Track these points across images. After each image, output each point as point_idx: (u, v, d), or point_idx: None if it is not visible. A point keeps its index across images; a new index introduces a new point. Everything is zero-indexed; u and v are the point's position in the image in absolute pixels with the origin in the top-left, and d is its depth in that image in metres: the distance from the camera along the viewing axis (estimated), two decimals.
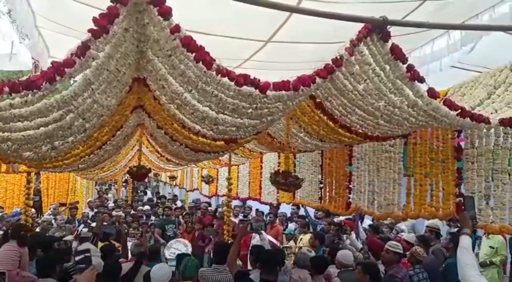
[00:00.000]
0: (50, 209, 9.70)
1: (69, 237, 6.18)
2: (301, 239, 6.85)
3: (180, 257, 4.76)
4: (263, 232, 6.95)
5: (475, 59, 4.43)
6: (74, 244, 5.57)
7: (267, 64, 4.54)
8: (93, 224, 7.73)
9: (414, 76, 2.67)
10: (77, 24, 3.83)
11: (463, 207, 3.68)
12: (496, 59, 4.10)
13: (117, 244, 5.84)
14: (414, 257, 4.77)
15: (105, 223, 6.91)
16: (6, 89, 1.88)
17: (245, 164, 9.59)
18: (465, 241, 2.85)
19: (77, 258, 3.95)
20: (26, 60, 4.96)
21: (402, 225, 7.59)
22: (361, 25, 2.59)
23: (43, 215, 9.78)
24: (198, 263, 4.28)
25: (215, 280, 4.10)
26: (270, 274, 3.65)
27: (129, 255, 5.10)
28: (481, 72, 4.21)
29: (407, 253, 4.90)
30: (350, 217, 7.21)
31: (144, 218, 9.72)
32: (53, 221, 8.79)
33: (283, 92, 2.43)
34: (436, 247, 5.25)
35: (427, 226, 5.90)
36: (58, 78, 1.95)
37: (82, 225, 8.23)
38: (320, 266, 4.39)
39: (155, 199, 14.46)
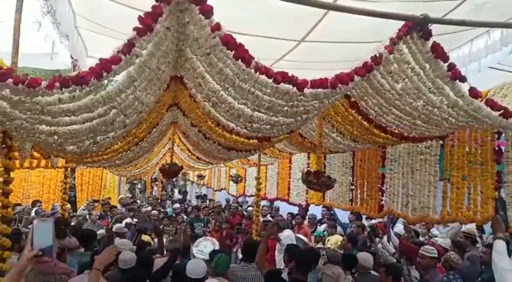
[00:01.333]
0: (84, 204, 10.01)
1: (101, 231, 6.38)
2: (328, 240, 6.81)
3: (213, 254, 4.82)
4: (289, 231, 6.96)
5: None
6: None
7: (299, 64, 4.54)
8: (126, 220, 7.96)
9: (455, 75, 2.61)
10: (115, 24, 3.97)
11: (496, 210, 3.55)
12: None
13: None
14: (448, 263, 4.64)
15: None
16: (57, 84, 1.97)
17: (273, 164, 9.60)
18: (499, 245, 2.77)
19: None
20: (65, 59, 5.15)
21: (435, 230, 7.40)
22: (396, 24, 2.57)
23: (77, 210, 10.10)
24: (229, 259, 4.33)
25: (242, 277, 4.16)
26: (304, 273, 3.65)
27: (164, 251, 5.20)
28: None
29: (441, 258, 4.78)
30: (381, 220, 7.10)
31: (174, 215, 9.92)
32: (87, 216, 9.10)
33: (320, 90, 2.43)
34: (472, 253, 5.09)
35: (462, 232, 5.73)
36: (105, 74, 2.03)
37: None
38: (349, 264, 4.37)
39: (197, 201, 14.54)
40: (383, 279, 4.08)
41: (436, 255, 4.42)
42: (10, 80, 1.94)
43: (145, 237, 5.78)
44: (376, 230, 5.93)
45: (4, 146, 4.02)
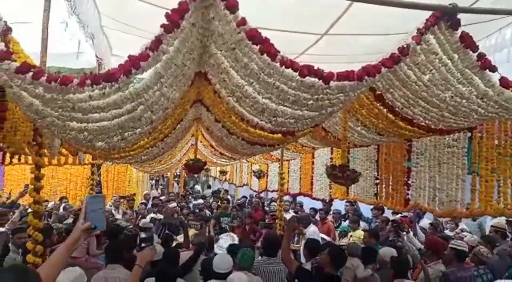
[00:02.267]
0: (112, 200, 10.22)
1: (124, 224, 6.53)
2: (351, 235, 6.76)
3: (230, 248, 4.85)
4: (314, 227, 6.95)
5: None
6: None
7: (322, 58, 4.51)
8: (150, 215, 8.11)
9: (485, 65, 2.55)
10: (138, 23, 4.03)
11: None
12: None
13: None
14: (477, 257, 4.56)
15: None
16: (88, 81, 2.02)
17: (296, 160, 9.57)
18: None
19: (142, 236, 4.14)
20: (90, 58, 5.26)
21: (463, 225, 7.26)
22: (423, 14, 2.52)
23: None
24: (254, 254, 4.36)
25: (265, 271, 4.19)
26: (336, 269, 3.70)
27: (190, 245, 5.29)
28: None
29: (470, 254, 4.69)
30: (406, 215, 7.01)
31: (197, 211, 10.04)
32: (114, 212, 9.31)
33: (346, 82, 2.41)
34: (502, 248, 4.96)
35: (492, 226, 5.60)
36: (133, 71, 2.07)
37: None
38: (368, 257, 4.35)
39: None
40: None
41: (465, 249, 4.34)
42: (44, 78, 2.01)
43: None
44: (402, 225, 5.85)
45: (35, 143, 4.16)
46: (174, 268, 3.96)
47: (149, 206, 10.27)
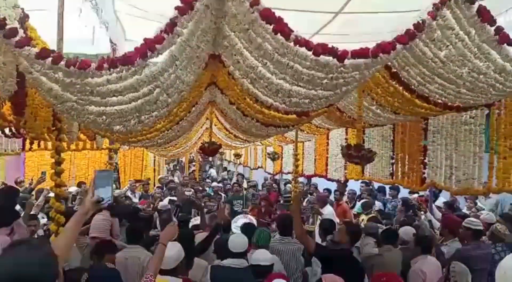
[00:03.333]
0: (128, 184, 10.43)
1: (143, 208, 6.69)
2: (362, 219, 6.76)
3: (246, 227, 4.90)
4: (331, 208, 6.98)
5: None
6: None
7: (336, 38, 4.46)
8: (167, 198, 8.25)
9: (503, 39, 2.50)
10: (151, 7, 4.04)
11: None
12: None
13: None
14: (495, 235, 4.54)
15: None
16: (106, 65, 2.06)
17: (310, 141, 9.57)
18: None
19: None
20: (105, 44, 5.31)
21: (480, 203, 7.22)
22: None
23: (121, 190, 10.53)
24: (270, 233, 4.43)
25: (280, 250, 4.25)
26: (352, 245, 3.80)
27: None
28: None
29: (487, 232, 4.68)
30: (423, 195, 6.99)
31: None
32: (131, 195, 9.51)
33: (361, 60, 2.40)
34: None
35: (511, 204, 5.56)
36: (149, 54, 2.10)
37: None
38: (389, 237, 4.37)
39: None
40: (414, 249, 4.15)
41: (479, 228, 4.32)
42: (63, 63, 2.05)
43: None
44: (420, 204, 5.85)
45: (54, 128, 4.26)
46: (189, 247, 4.04)
47: (165, 190, 10.44)
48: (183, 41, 2.33)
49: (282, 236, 4.50)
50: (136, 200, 9.58)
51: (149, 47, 2.05)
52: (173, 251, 3.00)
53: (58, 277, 1.47)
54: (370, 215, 6.76)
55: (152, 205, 7.27)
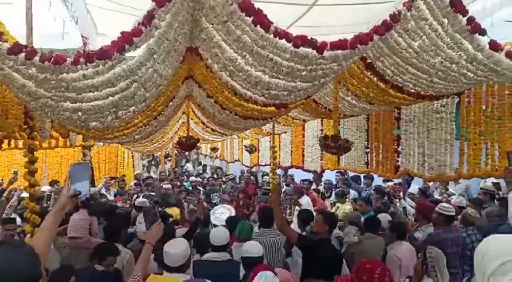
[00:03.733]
0: (102, 182, 10.23)
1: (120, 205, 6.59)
2: (338, 207, 6.89)
3: (230, 221, 4.93)
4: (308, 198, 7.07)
5: None
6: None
7: (311, 30, 4.49)
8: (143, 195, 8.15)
9: (475, 29, 2.58)
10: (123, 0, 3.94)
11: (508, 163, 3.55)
12: None
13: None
14: (466, 219, 4.73)
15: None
16: (82, 60, 2.01)
17: (286, 133, 9.64)
18: None
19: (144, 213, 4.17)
20: (76, 38, 5.15)
21: (451, 189, 7.49)
22: None
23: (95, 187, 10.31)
24: (252, 226, 4.45)
25: (262, 242, 4.27)
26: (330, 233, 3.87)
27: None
28: None
29: (459, 216, 4.87)
30: (401, 183, 7.18)
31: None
32: (105, 193, 9.34)
33: (339, 52, 2.43)
34: (491, 209, 5.15)
35: (481, 188, 5.80)
36: (127, 47, 2.06)
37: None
38: (370, 225, 4.48)
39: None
40: (389, 236, 4.28)
41: (451, 213, 4.48)
42: (37, 58, 1.98)
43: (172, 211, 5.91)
44: (394, 192, 6.03)
45: (26, 126, 4.12)
46: None
47: (143, 186, 10.31)
48: (161, 34, 2.30)
49: (264, 228, 4.52)
50: (111, 197, 9.43)
51: (127, 40, 2.01)
52: (181, 248, 3.00)
53: (41, 277, 1.44)
54: (345, 203, 6.91)
55: (129, 202, 7.17)
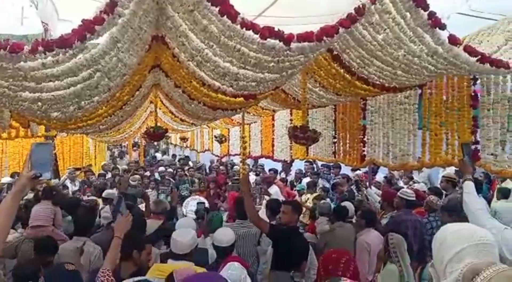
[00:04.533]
0: (66, 173, 9.94)
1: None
2: (308, 198, 7.02)
3: (199, 208, 4.87)
4: (277, 187, 7.15)
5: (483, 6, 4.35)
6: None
7: (278, 20, 4.49)
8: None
9: (435, 23, 2.65)
10: None
11: (462, 154, 3.71)
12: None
13: None
14: (429, 206, 4.95)
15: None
16: (41, 48, 1.93)
17: (256, 123, 9.66)
18: (469, 186, 2.91)
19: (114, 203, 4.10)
20: (36, 24, 4.94)
21: (415, 177, 7.76)
22: None
23: (59, 179, 10.01)
24: (222, 217, 4.45)
25: (238, 234, 4.29)
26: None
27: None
28: (494, 19, 4.14)
29: (424, 202, 5.08)
30: (366, 171, 7.39)
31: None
32: (69, 185, 9.09)
33: (306, 44, 2.45)
34: (453, 196, 5.39)
35: (443, 176, 6.03)
36: (88, 35, 1.99)
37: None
38: (340, 213, 4.61)
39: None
40: (358, 222, 4.45)
41: (410, 198, 4.69)
42: None
43: None
44: (361, 180, 6.20)
45: None
46: (142, 235, 3.95)
47: (109, 176, 10.09)
48: (124, 22, 2.23)
49: (240, 219, 4.51)
50: (75, 188, 9.19)
51: (88, 28, 1.95)
52: (188, 237, 3.13)
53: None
54: (316, 194, 7.04)
55: (97, 193, 7.01)
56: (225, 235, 3.54)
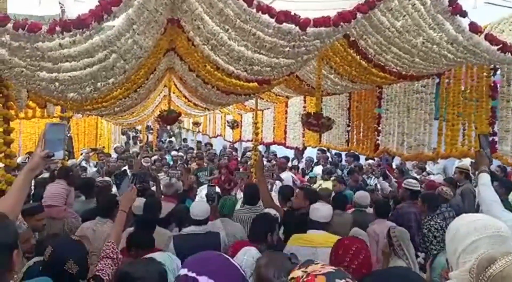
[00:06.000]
0: (82, 154, 10.08)
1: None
2: (320, 185, 6.99)
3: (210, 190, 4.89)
4: (288, 173, 7.16)
5: None
6: None
7: (295, 4, 4.43)
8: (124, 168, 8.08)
9: (456, 10, 2.58)
10: None
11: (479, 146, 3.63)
12: None
13: None
14: (440, 196, 4.88)
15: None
16: (58, 28, 1.94)
17: (269, 109, 9.63)
18: (485, 178, 2.86)
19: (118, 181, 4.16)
20: (53, 4, 4.97)
21: (432, 168, 7.67)
22: None
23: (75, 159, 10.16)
24: (235, 202, 4.46)
25: (247, 219, 4.30)
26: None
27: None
28: None
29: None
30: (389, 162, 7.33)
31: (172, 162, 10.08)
32: (85, 165, 9.24)
33: (322, 29, 2.41)
34: (466, 187, 5.32)
35: (456, 167, 5.95)
36: (105, 16, 1.99)
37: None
38: (339, 202, 4.56)
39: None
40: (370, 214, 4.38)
41: (415, 188, 4.62)
42: (10, 25, 1.91)
43: None
44: (373, 170, 6.16)
45: (1, 95, 4.00)
46: (155, 218, 3.98)
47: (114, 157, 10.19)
48: (140, 4, 2.24)
49: (249, 205, 4.52)
50: (92, 170, 9.34)
51: (105, 9, 1.95)
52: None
53: (18, 248, 1.42)
54: (331, 180, 7.00)
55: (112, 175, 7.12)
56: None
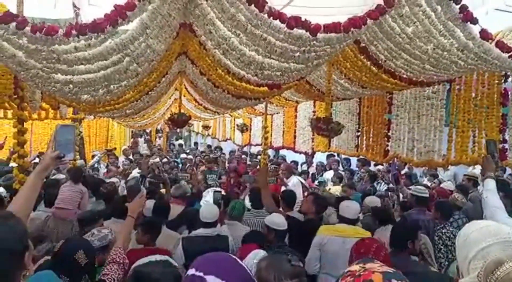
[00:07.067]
0: (96, 155, 10.16)
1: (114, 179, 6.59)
2: (329, 189, 6.98)
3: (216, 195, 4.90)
4: (296, 178, 7.14)
5: None
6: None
7: (306, 10, 4.45)
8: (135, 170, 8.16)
9: (467, 17, 2.59)
10: None
11: (486, 151, 3.59)
12: None
13: None
14: (453, 203, 4.84)
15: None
16: (74, 32, 1.99)
17: (279, 113, 9.66)
18: (490, 184, 2.84)
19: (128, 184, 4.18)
20: (68, 8, 5.06)
21: (442, 175, 7.62)
22: None
23: (85, 161, 10.25)
24: (244, 205, 4.48)
25: (254, 223, 4.33)
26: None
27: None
28: None
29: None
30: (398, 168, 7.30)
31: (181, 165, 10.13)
32: (97, 166, 9.33)
33: (333, 34, 2.44)
34: (474, 195, 5.28)
35: (465, 175, 5.91)
36: (120, 20, 2.04)
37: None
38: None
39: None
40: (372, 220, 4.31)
41: (424, 195, 4.57)
42: (28, 28, 1.97)
43: None
44: (383, 176, 6.13)
45: (16, 96, 4.09)
46: (164, 220, 4.01)
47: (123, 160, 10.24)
48: (154, 8, 2.28)
49: (255, 209, 4.54)
50: (103, 171, 9.43)
51: (120, 13, 2.00)
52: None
53: (28, 249, 1.41)
54: (342, 185, 6.99)
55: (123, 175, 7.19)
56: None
